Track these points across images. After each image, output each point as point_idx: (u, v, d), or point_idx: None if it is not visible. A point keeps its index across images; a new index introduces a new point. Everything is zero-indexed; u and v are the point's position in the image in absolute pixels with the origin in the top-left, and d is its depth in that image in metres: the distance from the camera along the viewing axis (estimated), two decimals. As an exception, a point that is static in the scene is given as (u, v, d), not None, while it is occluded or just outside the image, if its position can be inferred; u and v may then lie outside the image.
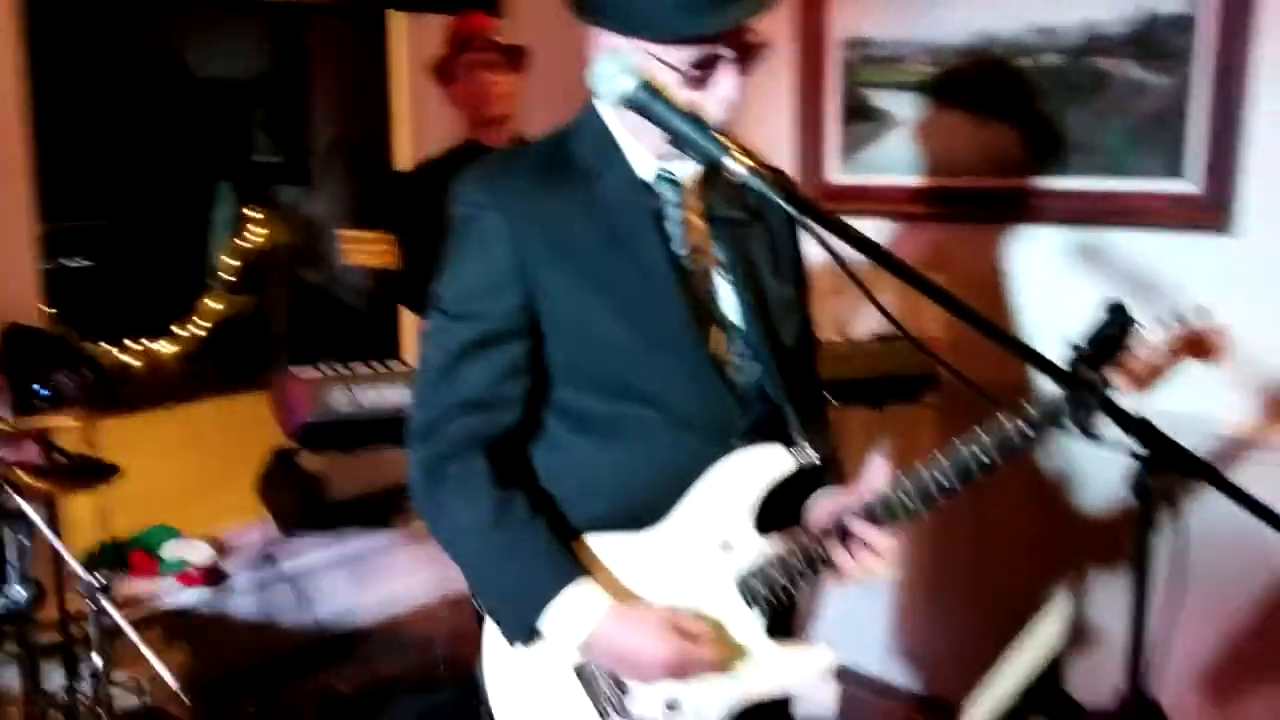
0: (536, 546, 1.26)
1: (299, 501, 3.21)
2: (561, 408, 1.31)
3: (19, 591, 2.11)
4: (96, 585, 2.01)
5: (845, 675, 3.00)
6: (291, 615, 3.21)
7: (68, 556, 2.03)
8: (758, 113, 3.00)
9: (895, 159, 2.81)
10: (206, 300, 4.51)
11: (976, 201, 2.67)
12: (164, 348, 4.41)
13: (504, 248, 1.25)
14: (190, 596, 2.97)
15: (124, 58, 4.45)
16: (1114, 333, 1.16)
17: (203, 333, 4.47)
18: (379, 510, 3.34)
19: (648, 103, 1.17)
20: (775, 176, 1.25)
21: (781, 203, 1.14)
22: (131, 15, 4.37)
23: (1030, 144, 2.58)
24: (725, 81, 1.21)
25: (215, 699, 2.77)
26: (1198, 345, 1.24)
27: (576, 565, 1.25)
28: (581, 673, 1.30)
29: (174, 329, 4.40)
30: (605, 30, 1.23)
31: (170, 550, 3.01)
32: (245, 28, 4.79)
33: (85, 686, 2.28)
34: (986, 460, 1.22)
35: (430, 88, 2.71)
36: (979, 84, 2.65)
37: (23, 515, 1.96)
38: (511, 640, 1.28)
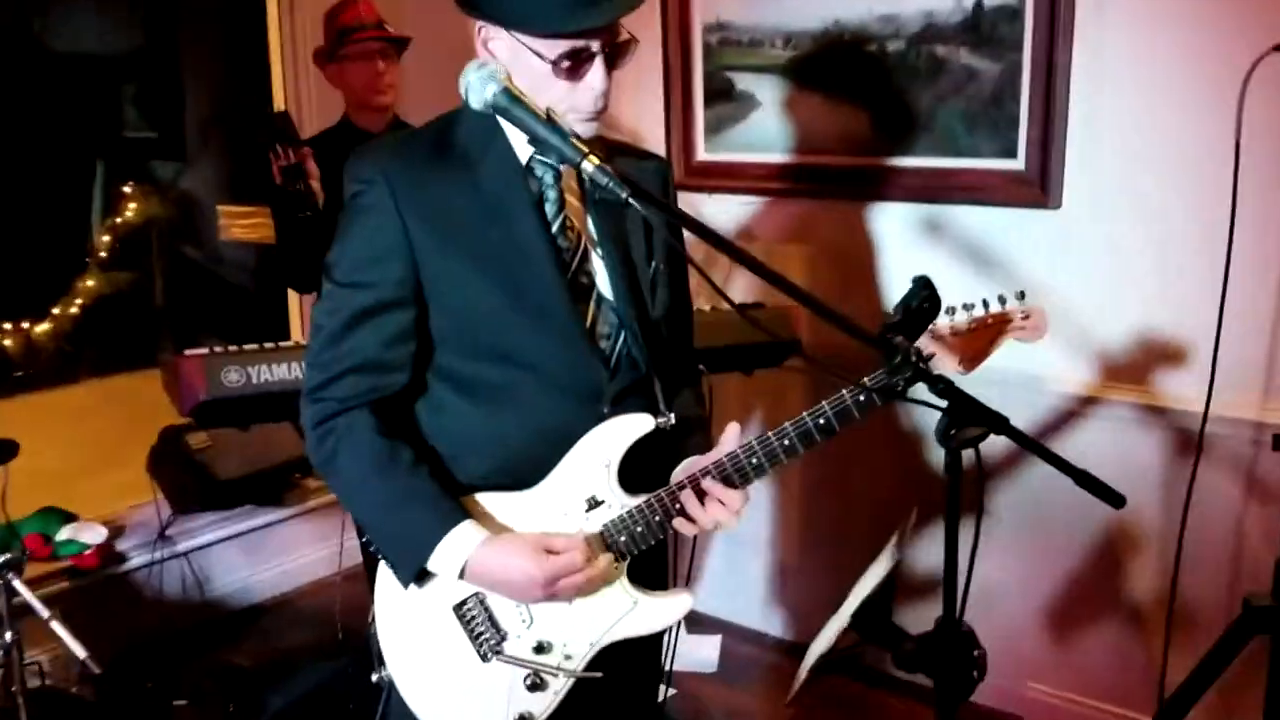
0: (421, 492, 1.39)
1: (189, 480, 3.26)
2: (445, 372, 1.45)
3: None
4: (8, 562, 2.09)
5: (727, 628, 3.22)
6: (188, 593, 3.28)
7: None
8: (635, 96, 3.14)
9: (757, 138, 2.99)
10: (84, 279, 4.45)
11: (832, 178, 2.86)
12: (40, 328, 4.34)
13: (391, 222, 1.38)
14: (86, 578, 3.01)
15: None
16: (918, 304, 1.33)
17: (77, 311, 4.41)
18: (270, 487, 3.42)
19: (508, 108, 1.31)
20: (656, 163, 1.48)
21: (625, 196, 1.28)
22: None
23: (878, 125, 2.79)
24: (594, 74, 1.35)
25: (115, 678, 2.83)
26: (1010, 325, 1.42)
27: (458, 507, 1.40)
28: (463, 617, 1.45)
29: (51, 310, 4.34)
30: (484, 23, 1.36)
31: (64, 533, 3.04)
32: (112, 1, 4.71)
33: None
34: (825, 425, 1.40)
35: (307, 64, 2.77)
36: (830, 68, 2.84)
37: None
38: (405, 582, 1.42)
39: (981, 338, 1.40)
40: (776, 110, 2.95)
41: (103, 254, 4.44)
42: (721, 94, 3.04)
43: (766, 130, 2.97)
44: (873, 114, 2.79)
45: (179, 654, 3.11)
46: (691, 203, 3.02)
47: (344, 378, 1.41)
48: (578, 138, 1.31)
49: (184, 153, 4.86)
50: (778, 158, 2.96)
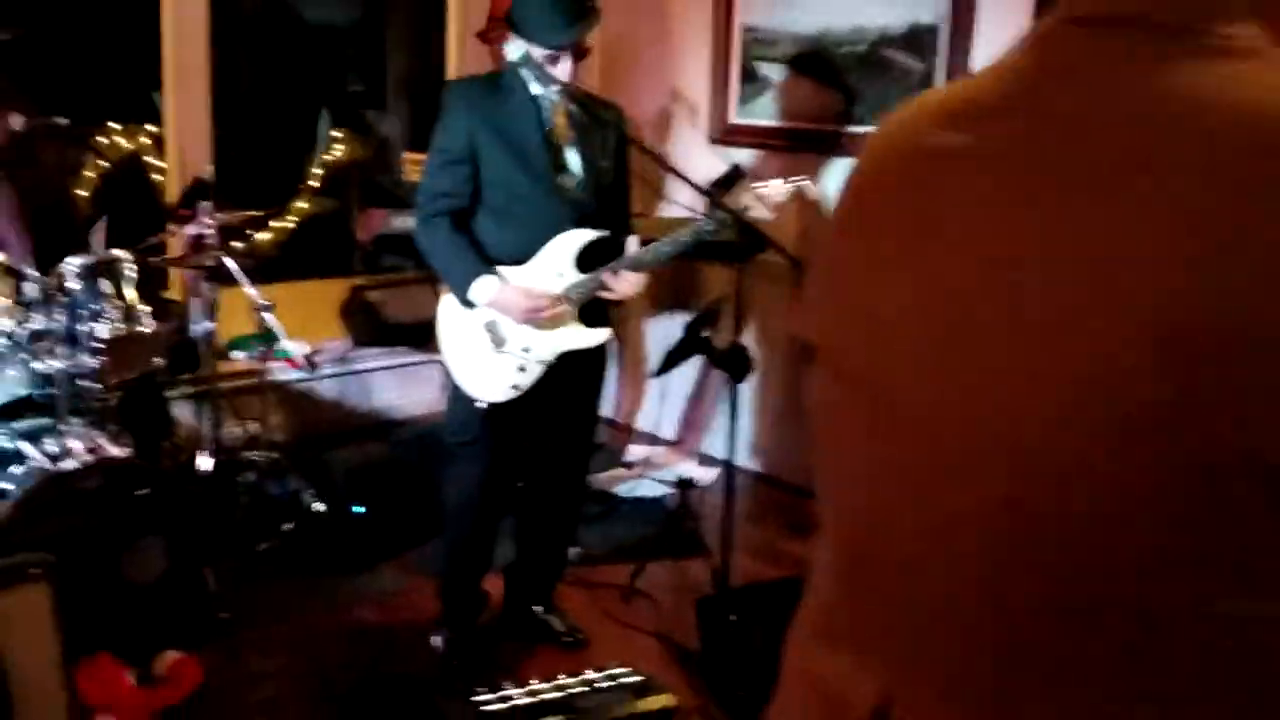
0: (469, 258, 2.72)
1: (365, 322, 4.71)
2: (484, 201, 2.77)
3: (207, 324, 3.59)
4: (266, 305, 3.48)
5: (727, 466, 4.44)
6: (353, 401, 4.73)
7: (258, 298, 3.53)
8: (690, 76, 4.41)
9: (768, 109, 4.21)
10: (298, 201, 5.86)
11: (812, 139, 4.07)
12: (261, 236, 5.81)
13: (461, 120, 2.71)
14: (292, 376, 4.49)
15: (253, 10, 5.97)
16: (732, 176, 2.57)
17: (290, 226, 5.84)
18: (422, 335, 4.80)
19: (523, 65, 2.63)
20: (614, 107, 2.75)
21: (598, 116, 2.59)
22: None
23: (845, 103, 3.97)
24: (564, 64, 2.66)
25: (303, 451, 4.27)
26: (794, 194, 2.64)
27: (488, 268, 2.72)
28: (487, 328, 2.78)
29: (271, 223, 5.77)
30: (513, 34, 2.68)
31: (283, 344, 4.52)
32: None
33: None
34: (687, 243, 2.65)
35: (473, 39, 4.12)
36: (818, 62, 4.04)
37: (228, 275, 3.43)
38: (461, 303, 2.75)
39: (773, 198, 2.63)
40: (780, 90, 4.17)
41: (314, 184, 5.87)
42: (749, 76, 4.28)
43: (772, 104, 4.20)
44: (841, 95, 3.98)
45: (345, 440, 4.53)
46: (726, 153, 4.27)
47: (436, 199, 2.74)
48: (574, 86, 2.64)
49: (384, 103, 6.38)
50: (781, 123, 4.18)
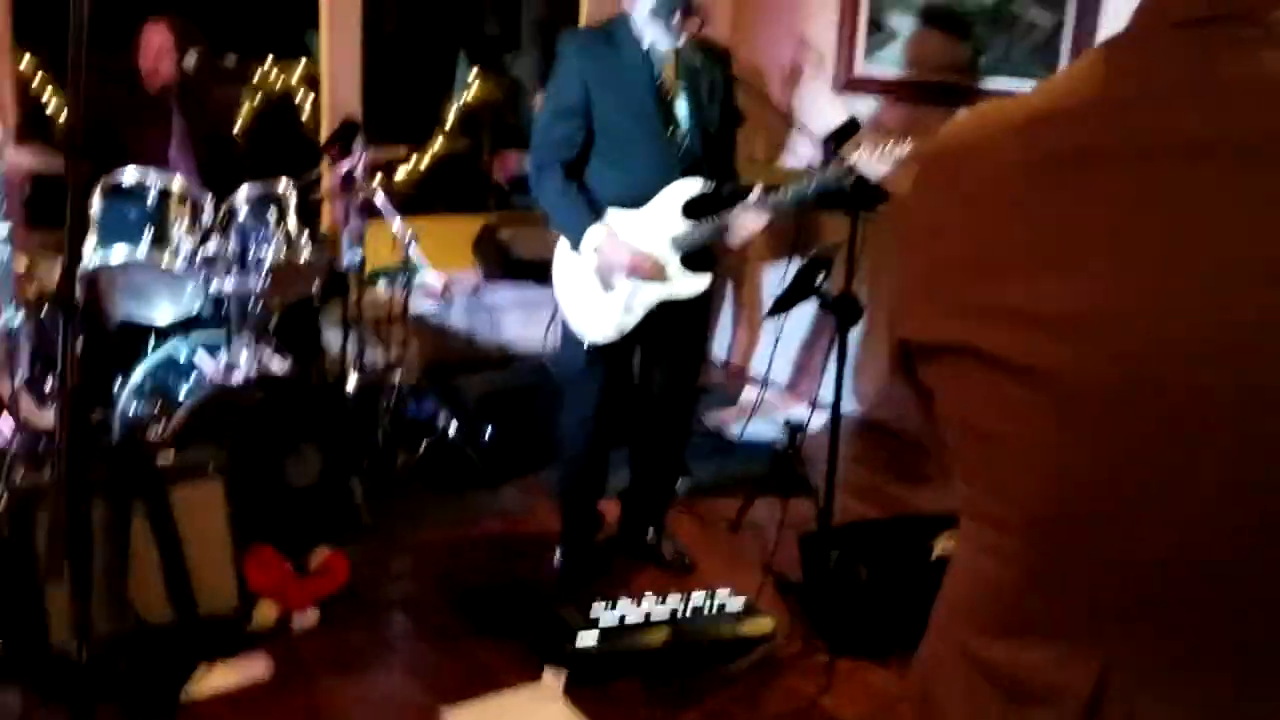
0: (582, 204, 2.89)
1: (496, 257, 4.96)
2: (596, 150, 2.93)
3: (357, 254, 3.87)
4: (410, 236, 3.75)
5: (833, 410, 4.59)
6: (481, 332, 4.99)
7: (403, 232, 3.80)
8: (818, 25, 4.48)
9: (894, 60, 4.27)
10: (434, 141, 6.11)
11: (937, 91, 4.11)
12: (399, 174, 6.10)
13: (574, 71, 2.88)
14: (428, 306, 4.78)
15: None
16: (849, 128, 2.69)
17: (427, 164, 6.10)
18: (547, 271, 5.05)
19: (636, 18, 2.77)
20: (720, 52, 2.87)
21: (719, 60, 2.74)
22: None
23: (972, 56, 4.00)
24: (676, 20, 2.78)
25: (437, 376, 4.55)
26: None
27: (597, 216, 2.89)
28: (596, 270, 2.96)
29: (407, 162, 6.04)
30: None
31: (422, 276, 4.81)
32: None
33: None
34: (806, 193, 2.79)
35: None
36: (947, 14, 4.07)
37: (374, 209, 3.70)
38: (575, 247, 2.94)
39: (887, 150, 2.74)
40: (907, 41, 4.22)
41: (450, 123, 6.12)
42: (876, 26, 4.34)
43: (899, 55, 4.25)
44: (971, 48, 4.02)
45: (474, 368, 4.81)
46: (851, 103, 4.35)
47: (550, 148, 2.92)
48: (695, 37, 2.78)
49: (519, 45, 6.59)
50: (907, 75, 4.24)
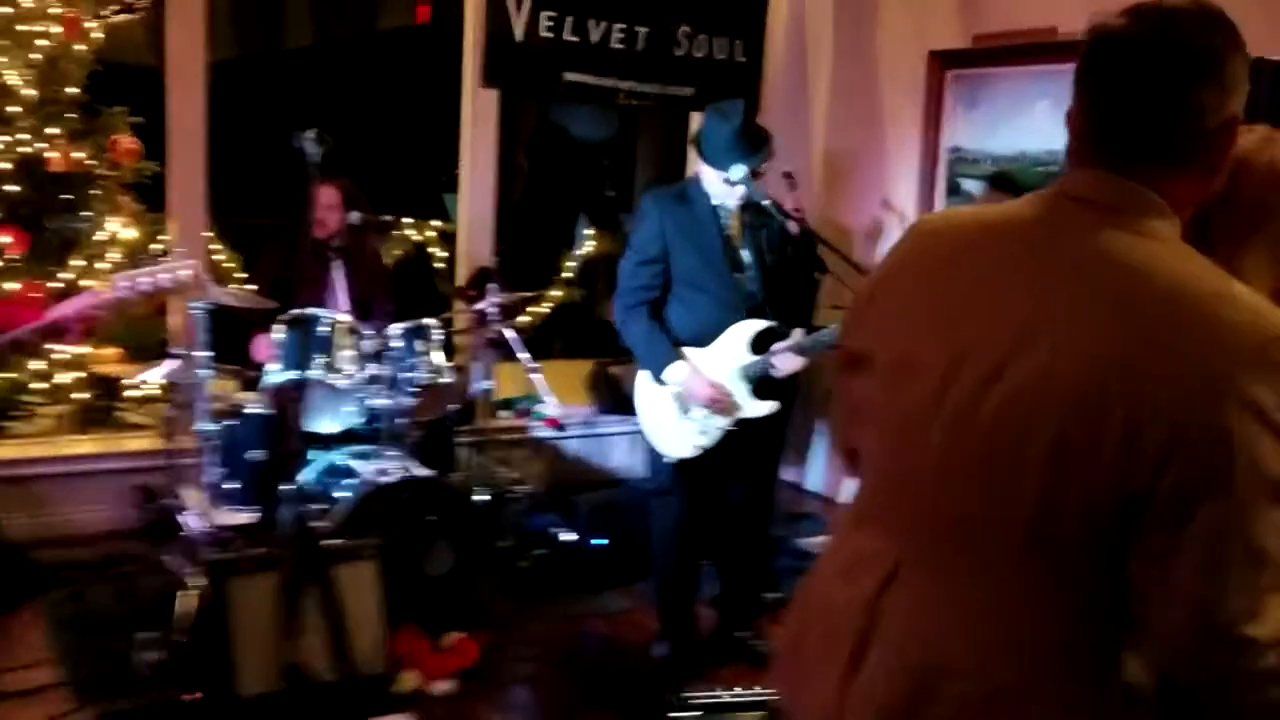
0: (662, 341, 3.32)
1: (607, 393, 5.49)
2: (673, 292, 3.41)
3: (486, 384, 4.43)
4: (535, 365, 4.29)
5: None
6: (591, 458, 5.48)
7: (539, 377, 4.35)
8: (900, 189, 5.02)
9: (969, 219, 4.76)
10: (552, 290, 6.68)
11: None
12: (521, 319, 6.70)
13: (655, 225, 3.39)
14: (546, 433, 5.30)
15: (530, 129, 7.03)
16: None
17: (545, 312, 6.68)
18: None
19: (743, 181, 3.30)
20: (776, 208, 3.38)
21: (776, 216, 3.26)
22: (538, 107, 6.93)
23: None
24: (745, 185, 3.30)
25: (555, 493, 5.03)
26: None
27: (678, 353, 3.34)
28: (675, 398, 3.41)
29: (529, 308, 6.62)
30: (702, 160, 3.38)
31: (539, 407, 5.35)
32: (604, 109, 7.27)
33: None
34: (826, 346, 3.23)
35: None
36: (1013, 180, 4.57)
37: (503, 345, 4.26)
38: (656, 379, 3.40)
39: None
40: (982, 203, 4.72)
41: (567, 275, 6.70)
42: (953, 190, 4.85)
43: (976, 215, 4.74)
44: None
45: (584, 488, 5.28)
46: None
47: (634, 292, 3.36)
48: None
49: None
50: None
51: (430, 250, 6.42)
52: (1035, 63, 4.43)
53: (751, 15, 5.64)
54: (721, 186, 3.33)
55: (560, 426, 5.27)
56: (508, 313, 4.34)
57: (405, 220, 6.66)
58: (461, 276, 5.28)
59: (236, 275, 5.43)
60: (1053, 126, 4.40)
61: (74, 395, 4.98)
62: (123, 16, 7.09)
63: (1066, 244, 1.24)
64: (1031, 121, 4.49)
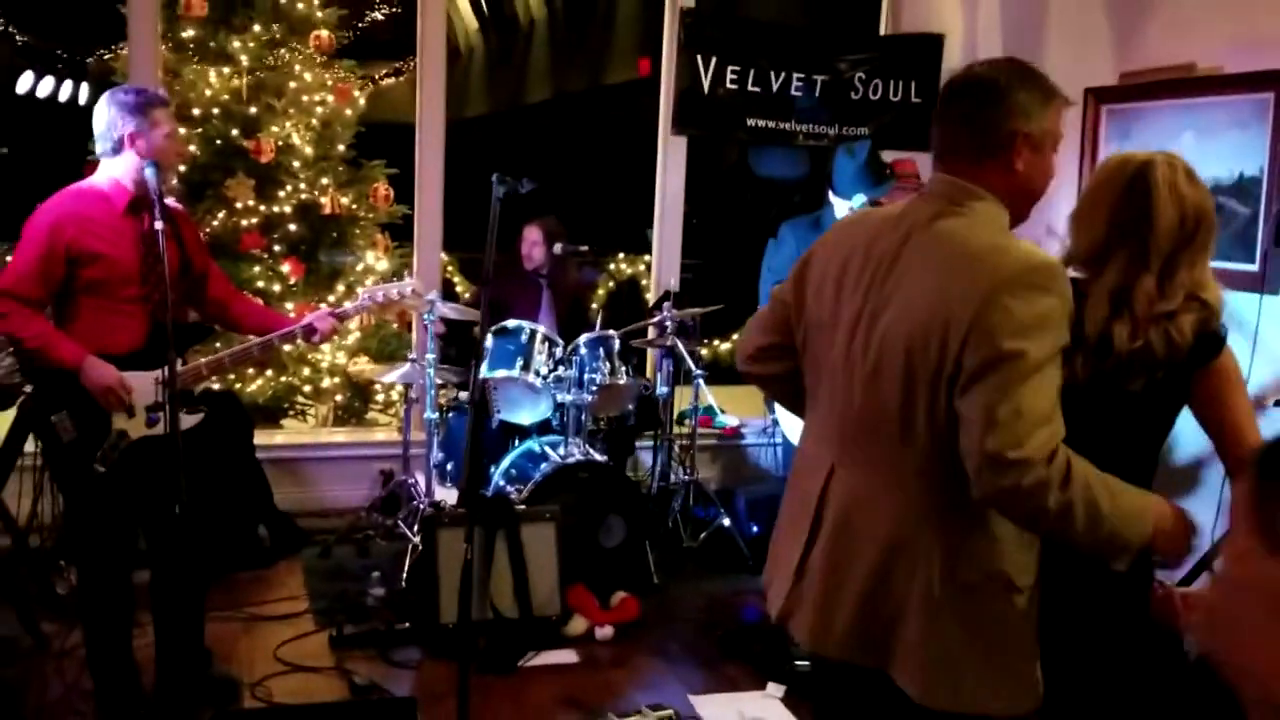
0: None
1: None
2: None
3: (663, 390, 5.09)
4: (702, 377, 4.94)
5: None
6: (768, 460, 6.03)
7: (705, 388, 5.00)
8: (1060, 212, 5.34)
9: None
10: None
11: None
12: (724, 346, 7.41)
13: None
14: (722, 440, 5.90)
15: (723, 169, 7.72)
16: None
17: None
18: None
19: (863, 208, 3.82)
20: None
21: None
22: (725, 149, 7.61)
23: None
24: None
25: (723, 490, 5.60)
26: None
27: None
28: None
29: (733, 335, 7.33)
30: (832, 191, 3.92)
31: (720, 417, 5.97)
32: (791, 149, 7.86)
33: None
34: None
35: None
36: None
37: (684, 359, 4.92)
38: None
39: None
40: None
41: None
42: (1104, 218, 5.13)
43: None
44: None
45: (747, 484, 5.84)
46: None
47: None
48: None
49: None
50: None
51: (639, 280, 7.24)
52: (1177, 96, 4.68)
53: (927, 58, 6.09)
54: (847, 214, 3.86)
55: (735, 434, 5.88)
56: (684, 329, 4.99)
57: (620, 254, 7.54)
58: (652, 299, 5.98)
59: (466, 298, 6.38)
60: (1198, 156, 4.64)
61: (335, 397, 6.03)
62: (386, 81, 8.36)
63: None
64: (1179, 150, 4.72)
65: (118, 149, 3.07)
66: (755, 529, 4.85)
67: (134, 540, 3.23)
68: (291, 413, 6.12)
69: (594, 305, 6.44)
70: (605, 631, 3.96)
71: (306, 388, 5.92)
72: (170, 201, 3.25)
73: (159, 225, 2.91)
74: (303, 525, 4.94)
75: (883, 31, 6.32)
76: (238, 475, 4.58)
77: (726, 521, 4.91)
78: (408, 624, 3.91)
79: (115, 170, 3.09)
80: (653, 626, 4.09)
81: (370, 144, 6.45)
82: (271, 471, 4.91)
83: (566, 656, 3.78)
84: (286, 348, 5.33)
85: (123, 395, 3.01)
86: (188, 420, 3.14)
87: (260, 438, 4.98)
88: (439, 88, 5.41)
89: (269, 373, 5.78)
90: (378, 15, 7.53)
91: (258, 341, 3.34)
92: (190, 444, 3.05)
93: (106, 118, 3.07)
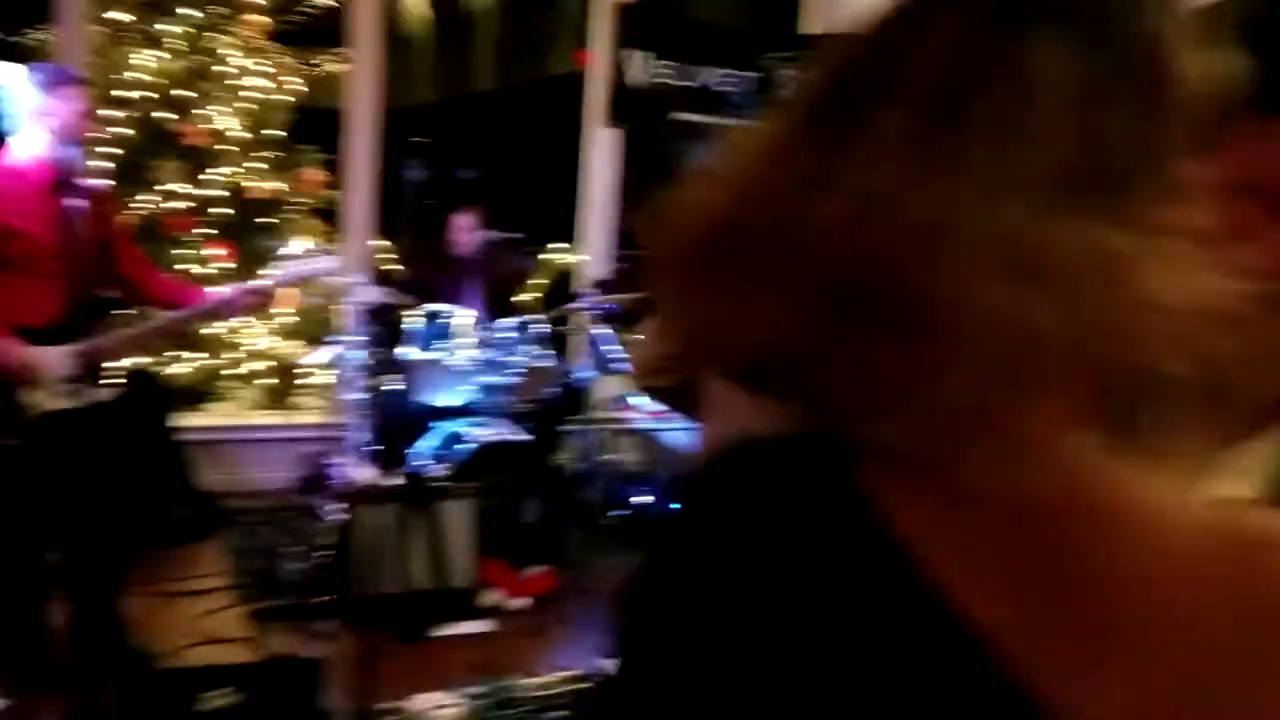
0: None
1: (684, 390, 6.17)
2: None
3: (588, 375, 5.21)
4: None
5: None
6: (684, 446, 6.16)
7: (628, 374, 5.12)
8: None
9: None
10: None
11: None
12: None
13: None
14: (648, 424, 6.02)
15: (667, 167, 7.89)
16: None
17: None
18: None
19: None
20: None
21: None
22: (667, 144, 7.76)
23: None
24: None
25: (645, 471, 5.75)
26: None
27: None
28: None
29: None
30: None
31: (642, 402, 6.09)
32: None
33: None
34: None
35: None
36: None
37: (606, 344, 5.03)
38: None
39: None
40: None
41: None
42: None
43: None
44: None
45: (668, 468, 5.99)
46: None
47: None
48: None
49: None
50: None
51: (571, 271, 7.36)
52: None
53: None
54: None
55: (661, 418, 6.01)
56: (611, 316, 5.11)
57: (556, 245, 7.63)
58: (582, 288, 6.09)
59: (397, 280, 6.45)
60: None
61: (258, 381, 6.08)
62: (330, 67, 8.39)
63: None
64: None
65: (31, 126, 3.13)
66: (674, 507, 4.98)
67: (47, 515, 3.28)
68: (217, 396, 6.14)
69: (525, 294, 6.55)
70: (520, 603, 4.07)
71: (232, 370, 5.95)
72: (88, 180, 3.30)
73: (76, 202, 2.97)
74: (226, 506, 4.98)
75: (800, 31, 6.50)
76: (155, 453, 4.62)
77: (646, 501, 5.04)
78: (327, 598, 3.99)
79: (29, 148, 3.14)
80: (568, 598, 4.21)
81: (313, 131, 6.48)
82: (196, 453, 4.94)
83: (481, 626, 3.88)
84: (211, 329, 5.38)
85: (32, 371, 3.06)
86: (103, 395, 3.20)
87: (185, 420, 5.02)
88: (371, 71, 5.47)
89: (193, 355, 5.80)
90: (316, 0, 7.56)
91: (175, 315, 3.40)
92: (106, 420, 3.11)
93: (19, 95, 3.12)
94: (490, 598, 4.06)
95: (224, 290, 3.51)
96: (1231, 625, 0.57)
